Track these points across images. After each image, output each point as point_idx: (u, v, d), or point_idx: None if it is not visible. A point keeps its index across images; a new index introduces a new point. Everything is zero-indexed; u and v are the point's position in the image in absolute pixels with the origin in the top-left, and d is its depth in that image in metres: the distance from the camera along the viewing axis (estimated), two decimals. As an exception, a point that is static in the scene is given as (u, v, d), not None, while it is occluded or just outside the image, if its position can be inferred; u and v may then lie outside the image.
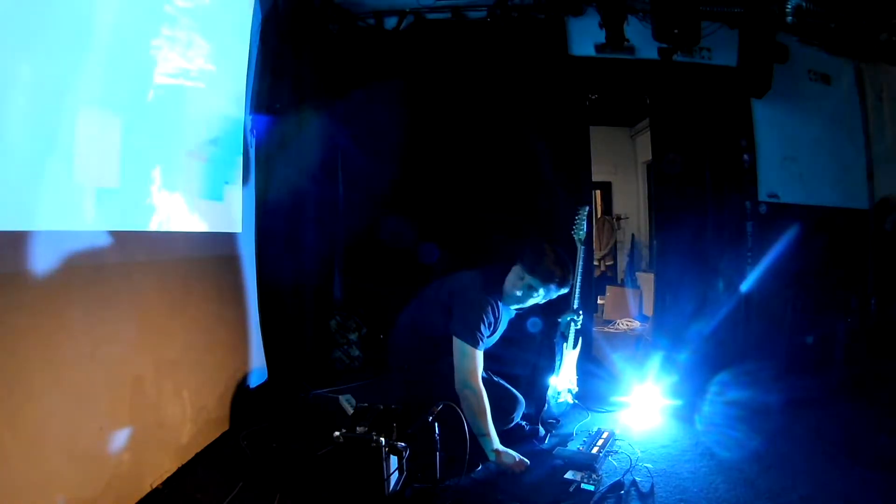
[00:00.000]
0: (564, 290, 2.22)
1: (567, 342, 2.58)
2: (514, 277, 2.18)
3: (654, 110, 3.92)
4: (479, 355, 2.07)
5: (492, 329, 2.16)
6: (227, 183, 2.65)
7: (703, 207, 3.61)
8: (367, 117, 3.63)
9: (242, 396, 2.63)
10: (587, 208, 2.63)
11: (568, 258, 2.21)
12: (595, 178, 4.30)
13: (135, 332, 1.87)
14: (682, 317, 3.53)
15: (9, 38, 1.36)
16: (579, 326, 2.58)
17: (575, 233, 2.56)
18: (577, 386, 2.70)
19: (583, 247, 2.56)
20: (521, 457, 2.04)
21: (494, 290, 2.18)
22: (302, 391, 2.81)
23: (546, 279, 2.12)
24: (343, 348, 3.47)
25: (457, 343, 2.06)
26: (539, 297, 2.19)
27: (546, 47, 3.59)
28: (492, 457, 2.00)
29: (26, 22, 1.41)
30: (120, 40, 1.79)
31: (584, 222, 2.57)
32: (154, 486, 1.87)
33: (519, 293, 2.17)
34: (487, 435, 2.00)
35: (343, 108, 3.54)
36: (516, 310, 2.31)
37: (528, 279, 2.13)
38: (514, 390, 2.33)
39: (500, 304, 2.19)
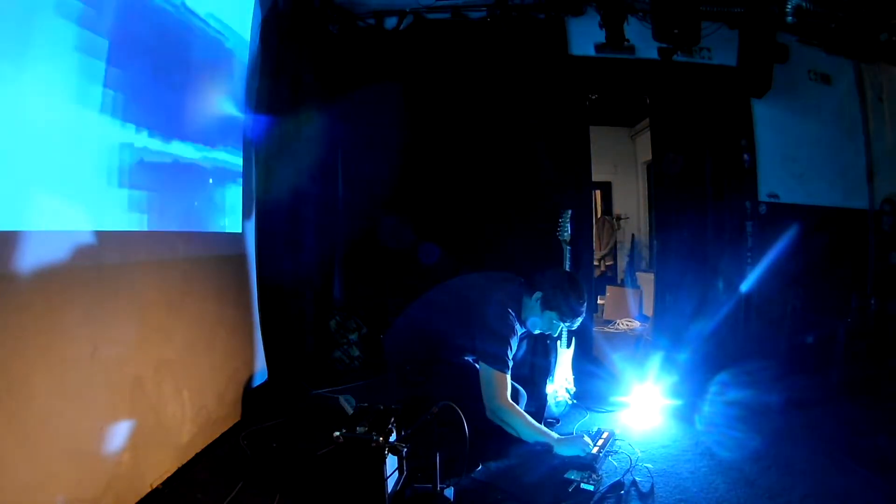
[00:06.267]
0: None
1: (561, 341, 2.59)
2: (539, 313, 2.23)
3: (654, 110, 3.92)
4: (508, 377, 2.11)
5: (516, 348, 2.22)
6: (227, 183, 2.65)
7: (703, 207, 3.61)
8: (366, 117, 3.63)
9: (243, 396, 2.63)
10: (570, 212, 2.68)
11: (583, 284, 2.30)
12: (595, 178, 4.30)
13: (135, 332, 1.87)
14: (682, 317, 3.53)
15: (7, 37, 1.36)
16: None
17: (560, 234, 2.65)
18: (576, 385, 2.71)
19: (569, 247, 2.67)
20: (579, 436, 2.13)
21: (515, 311, 2.22)
22: (302, 391, 2.81)
23: (574, 316, 2.24)
24: (343, 348, 3.47)
25: (486, 371, 2.09)
26: (563, 328, 2.33)
27: (546, 47, 3.59)
28: (560, 450, 2.03)
29: (23, 21, 1.42)
30: (119, 39, 1.79)
31: (569, 224, 2.65)
32: (154, 486, 1.87)
33: (546, 326, 2.26)
34: (545, 435, 2.07)
35: (343, 108, 3.54)
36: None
37: (557, 321, 2.23)
38: (517, 384, 2.34)
39: (518, 325, 2.22)
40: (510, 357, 2.12)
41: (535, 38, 3.59)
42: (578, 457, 2.01)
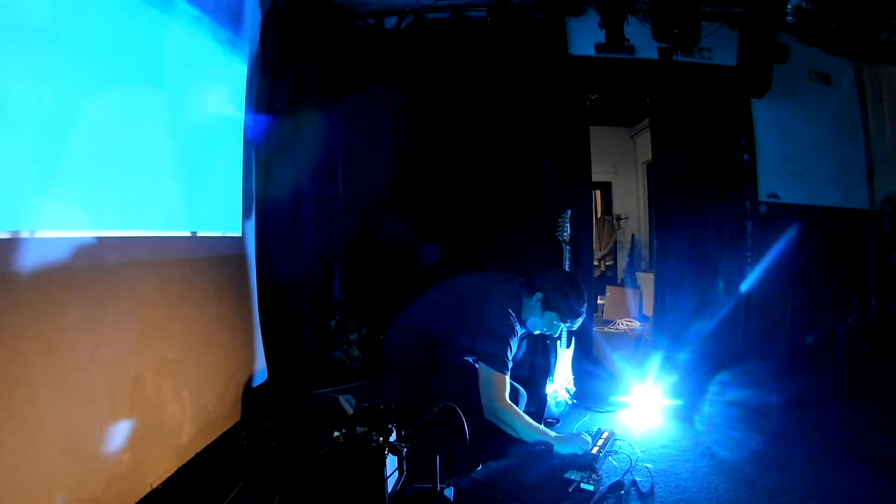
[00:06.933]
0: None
1: (561, 341, 2.59)
2: (539, 314, 2.24)
3: (654, 110, 3.92)
4: (507, 378, 2.12)
5: (516, 349, 2.22)
6: (227, 183, 2.65)
7: (703, 207, 3.61)
8: (366, 117, 3.63)
9: (243, 396, 2.63)
10: (570, 212, 2.70)
11: (583, 284, 2.32)
12: (595, 178, 4.30)
13: (135, 333, 1.87)
14: (682, 317, 3.53)
15: (8, 41, 1.36)
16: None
17: (559, 234, 2.67)
18: (576, 385, 2.71)
19: (569, 247, 2.68)
20: (577, 434, 2.15)
21: (515, 311, 2.22)
22: (302, 391, 2.81)
23: (574, 317, 2.25)
24: (343, 348, 3.47)
25: (486, 371, 2.09)
26: (563, 328, 2.35)
27: (546, 47, 3.59)
28: (559, 448, 2.04)
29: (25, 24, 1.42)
30: (119, 40, 1.79)
31: (568, 224, 2.67)
32: (154, 486, 1.87)
33: (546, 327, 2.28)
34: (543, 434, 2.09)
35: (343, 108, 3.54)
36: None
37: (558, 321, 2.24)
38: (516, 384, 2.35)
39: (518, 325, 2.23)
40: (509, 357, 2.12)
41: (536, 38, 3.59)
42: (578, 456, 2.01)
